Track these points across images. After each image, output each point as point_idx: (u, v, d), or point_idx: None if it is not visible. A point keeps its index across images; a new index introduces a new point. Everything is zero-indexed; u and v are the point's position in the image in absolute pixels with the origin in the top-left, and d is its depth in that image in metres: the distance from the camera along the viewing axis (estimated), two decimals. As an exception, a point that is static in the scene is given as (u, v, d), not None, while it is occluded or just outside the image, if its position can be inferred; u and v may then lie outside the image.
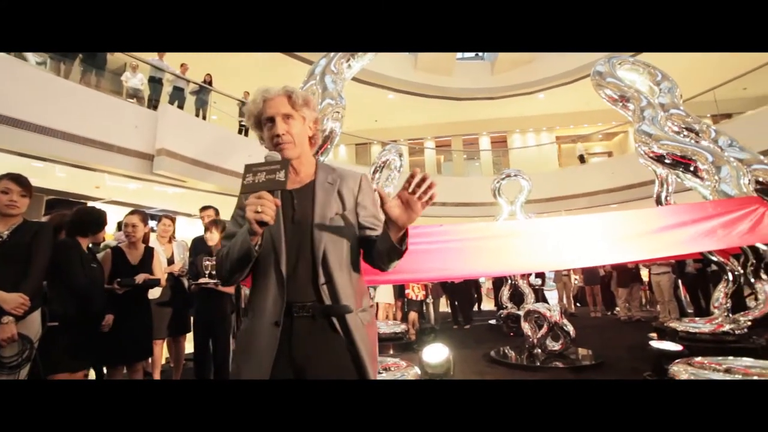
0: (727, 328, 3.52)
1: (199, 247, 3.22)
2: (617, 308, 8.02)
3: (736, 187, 2.90)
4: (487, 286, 11.59)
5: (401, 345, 5.01)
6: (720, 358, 2.79)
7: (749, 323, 3.49)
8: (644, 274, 8.14)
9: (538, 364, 4.06)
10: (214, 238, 3.11)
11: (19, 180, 2.06)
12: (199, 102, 8.15)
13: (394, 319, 6.23)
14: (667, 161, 3.32)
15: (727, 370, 2.53)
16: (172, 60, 7.85)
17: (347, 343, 1.02)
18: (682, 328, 3.77)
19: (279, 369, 0.99)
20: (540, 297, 7.19)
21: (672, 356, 3.17)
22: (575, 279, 10.24)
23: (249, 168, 0.97)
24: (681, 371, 2.69)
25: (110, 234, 4.59)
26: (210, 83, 8.51)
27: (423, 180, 0.94)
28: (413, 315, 6.07)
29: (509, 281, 6.71)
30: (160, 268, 3.04)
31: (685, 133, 3.72)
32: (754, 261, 3.30)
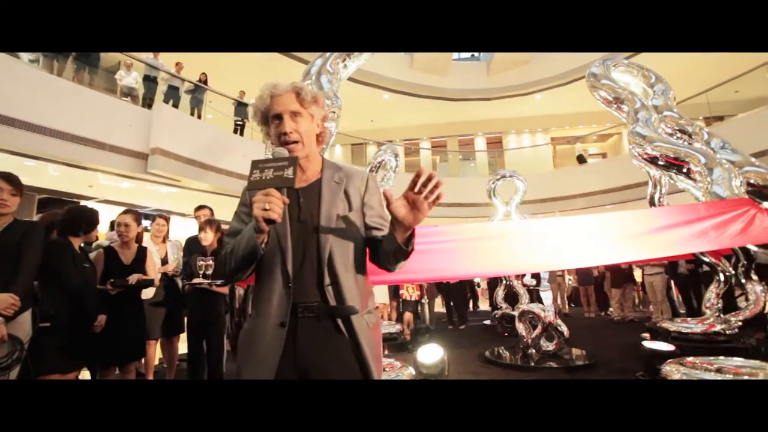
0: (718, 328, 3.56)
1: (193, 247, 3.20)
2: (611, 309, 8.08)
3: (728, 189, 2.93)
4: (482, 286, 11.64)
5: (396, 345, 5.01)
6: (711, 358, 2.82)
7: (740, 323, 3.53)
8: (637, 274, 8.21)
9: (533, 364, 4.08)
10: (208, 237, 3.09)
11: (9, 178, 2.03)
12: (194, 101, 8.11)
13: (389, 319, 6.23)
14: (660, 163, 3.35)
15: (719, 370, 2.55)
16: (167, 58, 7.81)
17: (352, 344, 1.01)
18: (675, 329, 3.80)
19: (283, 370, 0.98)
20: (535, 297, 7.23)
21: (664, 356, 3.19)
22: (569, 279, 10.31)
23: (256, 164, 0.95)
24: (673, 371, 2.71)
25: (102, 233, 4.54)
26: (205, 82, 8.47)
27: (429, 179, 0.91)
28: (408, 315, 6.07)
29: (504, 282, 6.74)
30: (154, 268, 3.02)
31: (679, 135, 3.75)
32: (745, 262, 3.34)
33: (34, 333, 2.08)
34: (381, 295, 6.12)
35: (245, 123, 8.99)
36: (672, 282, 6.81)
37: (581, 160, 12.73)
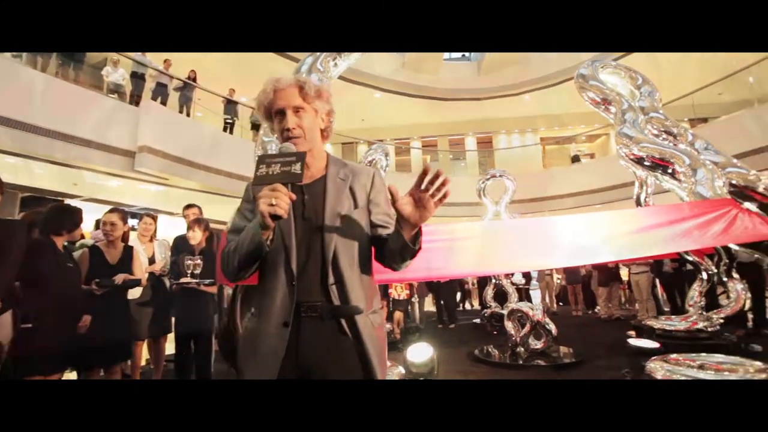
0: (701, 325, 3.64)
1: (181, 246, 3.16)
2: (598, 307, 8.20)
3: (711, 189, 2.99)
4: (473, 284, 11.70)
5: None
6: (694, 354, 2.89)
7: (722, 320, 3.62)
8: (624, 273, 8.34)
9: (521, 362, 4.12)
10: (196, 237, 3.05)
11: (-11, 176, 1.98)
12: (183, 98, 8.01)
13: (380, 318, 6.22)
14: (646, 163, 3.41)
15: (701, 366, 2.62)
16: (155, 55, 7.68)
17: (356, 345, 0.99)
18: (659, 326, 3.89)
19: (285, 370, 0.96)
20: (524, 296, 7.30)
21: (649, 353, 3.26)
22: (558, 278, 10.43)
23: (263, 159, 0.93)
24: (657, 368, 2.77)
25: (88, 232, 4.46)
26: (194, 80, 8.35)
27: (436, 176, 0.89)
28: (399, 314, 6.08)
29: (493, 280, 6.79)
30: (141, 268, 2.97)
31: (664, 136, 3.83)
32: (727, 261, 3.43)
33: (14, 334, 2.03)
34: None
35: (235, 121, 8.90)
36: (657, 280, 6.95)
37: (576, 160, 12.89)
